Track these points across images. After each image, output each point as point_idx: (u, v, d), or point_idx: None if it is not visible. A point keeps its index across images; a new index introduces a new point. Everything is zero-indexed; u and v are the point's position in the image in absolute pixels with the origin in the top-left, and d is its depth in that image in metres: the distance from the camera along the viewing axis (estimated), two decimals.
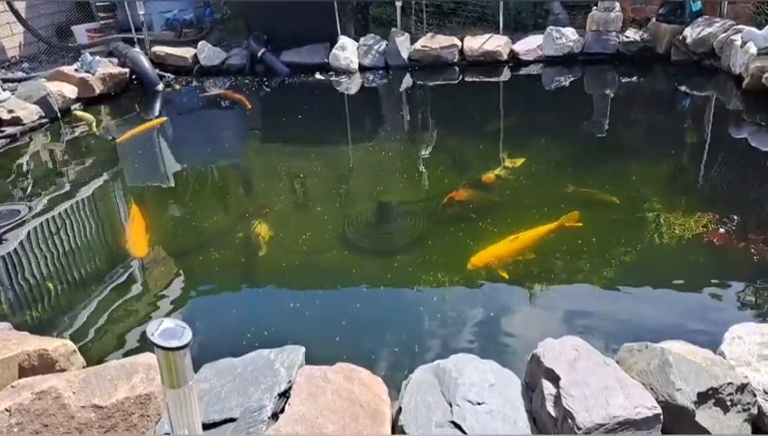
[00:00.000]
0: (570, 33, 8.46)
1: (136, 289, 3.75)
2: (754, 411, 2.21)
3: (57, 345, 2.60)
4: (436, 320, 3.28)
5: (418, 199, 4.81)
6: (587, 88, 7.96)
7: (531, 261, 3.77)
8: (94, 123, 7.17)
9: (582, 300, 3.44)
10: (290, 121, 7.02)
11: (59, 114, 7.06)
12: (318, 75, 8.66)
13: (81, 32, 9.63)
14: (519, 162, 5.11)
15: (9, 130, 6.45)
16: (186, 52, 9.13)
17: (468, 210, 4.39)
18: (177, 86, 8.60)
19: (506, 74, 8.35)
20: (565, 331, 2.53)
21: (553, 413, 2.07)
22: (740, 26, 7.36)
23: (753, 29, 6.81)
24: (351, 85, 8.40)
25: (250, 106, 7.48)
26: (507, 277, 3.49)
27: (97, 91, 7.72)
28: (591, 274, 3.63)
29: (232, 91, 8.14)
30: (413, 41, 8.86)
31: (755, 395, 2.22)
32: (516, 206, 4.52)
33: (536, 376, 2.29)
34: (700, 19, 7.98)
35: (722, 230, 3.97)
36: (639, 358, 2.32)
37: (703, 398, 2.11)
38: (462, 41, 8.74)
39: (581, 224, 3.90)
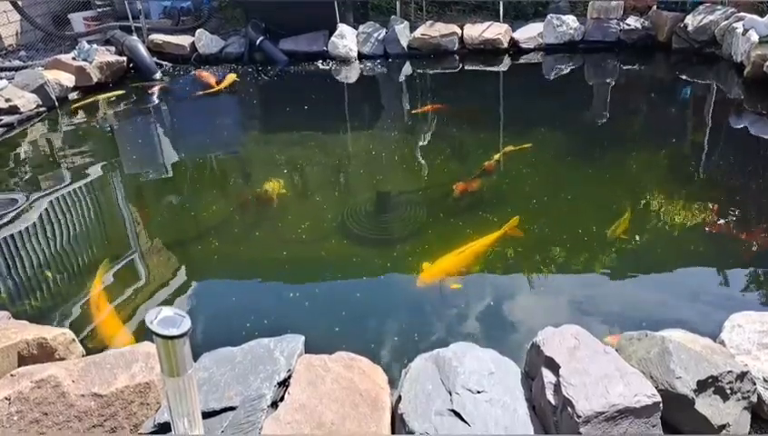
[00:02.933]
0: (571, 20, 8.42)
1: (135, 277, 3.74)
2: (754, 399, 2.22)
3: (56, 334, 2.60)
4: (435, 308, 3.28)
5: (417, 188, 4.80)
6: (588, 76, 7.92)
7: (531, 249, 3.77)
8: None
9: (582, 288, 3.44)
10: (289, 110, 6.99)
11: (56, 103, 7.03)
12: (318, 64, 8.61)
13: (78, 20, 9.56)
14: (516, 147, 5.09)
15: (6, 119, 6.41)
16: (184, 40, 9.08)
17: (477, 199, 4.37)
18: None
19: (506, 63, 8.32)
20: (565, 320, 2.52)
21: (553, 401, 2.07)
22: (741, 14, 7.33)
23: (755, 17, 6.77)
24: (350, 74, 8.36)
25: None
26: (460, 287, 3.40)
27: (95, 79, 7.68)
28: (591, 263, 3.63)
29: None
30: (412, 29, 8.81)
31: (755, 383, 2.22)
32: (517, 196, 4.50)
33: (535, 364, 2.29)
34: (701, 7, 7.94)
35: (722, 218, 3.96)
36: (639, 346, 2.32)
37: (702, 386, 2.11)
38: (462, 29, 8.69)
39: (521, 233, 3.84)
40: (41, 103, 6.84)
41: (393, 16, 9.01)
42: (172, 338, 1.73)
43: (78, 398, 2.16)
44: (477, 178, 4.62)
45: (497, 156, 4.98)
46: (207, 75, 8.13)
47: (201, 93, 7.61)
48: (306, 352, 2.50)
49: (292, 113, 6.84)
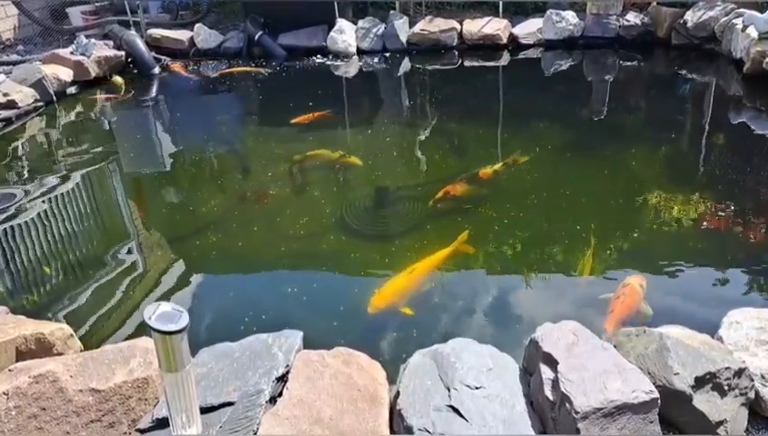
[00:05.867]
0: (570, 16, 8.40)
1: (134, 273, 3.74)
2: (751, 395, 2.22)
3: (54, 329, 2.59)
4: (434, 304, 3.28)
5: (415, 184, 4.79)
6: (587, 73, 7.91)
7: (530, 246, 3.77)
8: (123, 86, 7.68)
9: (581, 284, 3.44)
10: (288, 105, 6.97)
11: (54, 97, 7.01)
12: (317, 59, 8.59)
13: (76, 14, 9.54)
14: (519, 159, 4.91)
15: (4, 113, 6.39)
16: (182, 35, 9.06)
17: (462, 205, 4.28)
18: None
19: (505, 58, 8.30)
20: (563, 316, 2.52)
21: (551, 397, 2.08)
22: (741, 10, 7.31)
23: (755, 13, 6.76)
24: (349, 69, 8.34)
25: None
26: (413, 313, 3.17)
27: (93, 74, 7.66)
28: (590, 259, 3.62)
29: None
30: (412, 24, 8.79)
31: (753, 379, 2.22)
32: (515, 200, 4.48)
33: (534, 360, 2.29)
34: (701, 2, 7.92)
35: (721, 215, 3.96)
36: (637, 342, 2.32)
37: (700, 382, 2.12)
38: (461, 24, 8.68)
39: (472, 249, 3.69)
40: (39, 97, 6.82)
41: (392, 12, 8.99)
42: (170, 333, 1.73)
43: (76, 393, 2.15)
44: (464, 182, 4.51)
45: (496, 166, 4.79)
46: (180, 67, 8.41)
47: (227, 71, 8.22)
48: (304, 348, 2.50)
49: (291, 109, 6.81)
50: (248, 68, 8.27)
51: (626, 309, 3.05)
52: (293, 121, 6.06)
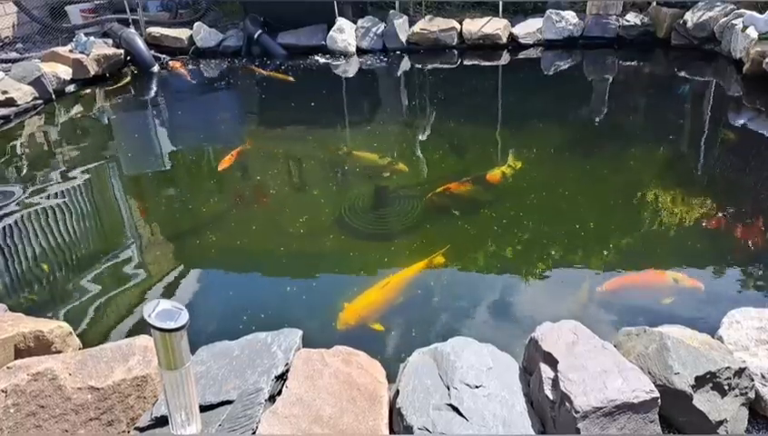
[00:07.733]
0: (570, 16, 8.41)
1: (133, 271, 3.73)
2: (752, 395, 2.22)
3: (53, 327, 2.59)
4: (433, 303, 3.27)
5: (414, 183, 4.78)
6: (587, 73, 7.91)
7: (529, 245, 3.76)
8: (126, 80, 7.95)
9: (581, 284, 3.44)
10: (287, 105, 6.97)
11: (53, 95, 6.99)
12: (317, 58, 8.58)
13: (75, 12, 9.53)
14: (520, 163, 4.84)
15: (3, 111, 6.38)
16: (182, 33, 9.06)
17: (462, 206, 4.25)
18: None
19: (505, 58, 8.30)
20: (563, 315, 2.52)
21: (551, 397, 2.07)
22: (741, 10, 7.32)
23: (755, 13, 6.77)
24: (349, 68, 8.33)
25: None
26: (383, 329, 3.05)
27: (92, 72, 7.64)
28: (590, 259, 3.62)
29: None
30: (411, 23, 8.79)
31: (753, 379, 2.22)
32: (514, 200, 4.48)
33: (534, 360, 2.29)
34: (701, 3, 7.92)
35: (720, 215, 3.96)
36: (637, 342, 2.32)
37: (700, 382, 2.11)
38: (461, 24, 8.68)
39: (444, 260, 3.59)
40: (38, 95, 6.81)
41: (392, 11, 8.99)
42: (169, 331, 1.73)
43: (75, 391, 2.15)
44: (468, 182, 4.49)
45: (503, 167, 4.76)
46: (180, 66, 8.51)
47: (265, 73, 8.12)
48: (304, 346, 2.49)
49: (290, 109, 6.81)
50: (278, 75, 8.08)
51: (632, 279, 3.30)
52: (220, 168, 5.12)
